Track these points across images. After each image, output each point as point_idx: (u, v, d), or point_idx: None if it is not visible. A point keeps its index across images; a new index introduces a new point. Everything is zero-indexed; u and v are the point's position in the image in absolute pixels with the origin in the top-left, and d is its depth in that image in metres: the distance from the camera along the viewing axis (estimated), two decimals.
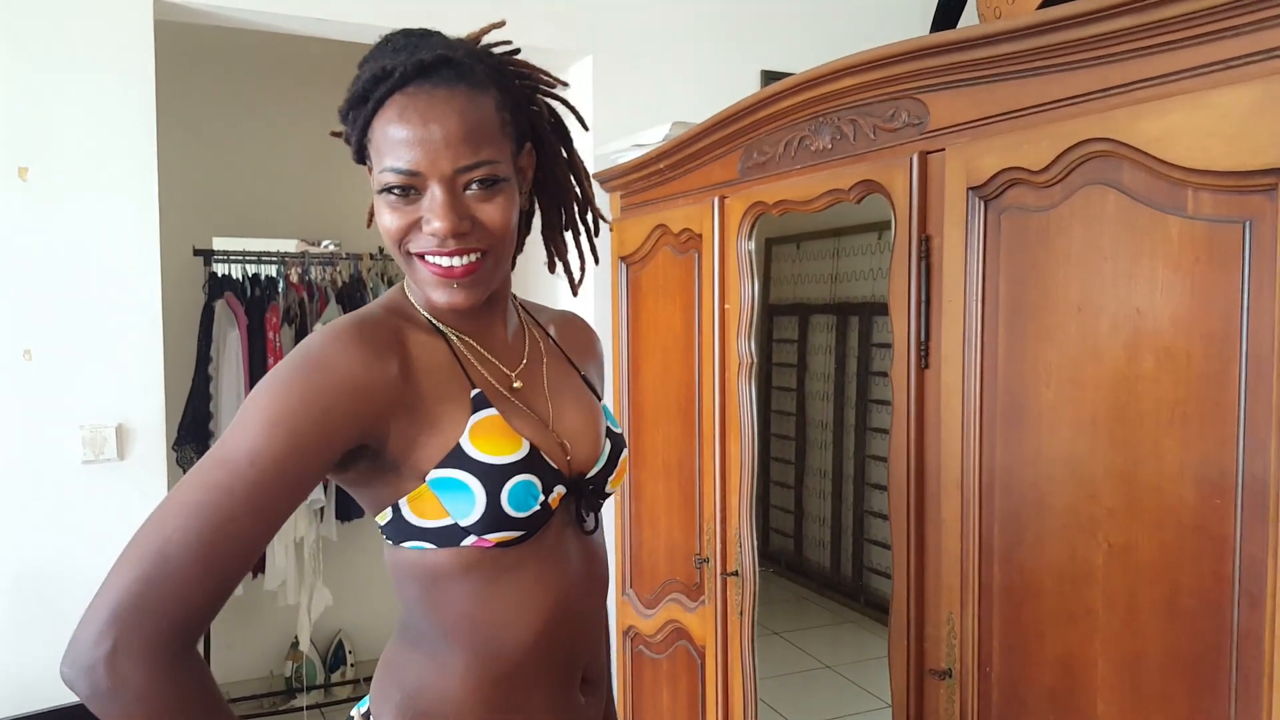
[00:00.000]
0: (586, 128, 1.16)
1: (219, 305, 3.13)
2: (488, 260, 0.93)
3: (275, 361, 3.14)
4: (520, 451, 0.94)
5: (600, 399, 1.11)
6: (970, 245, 1.32)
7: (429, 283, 0.93)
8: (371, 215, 1.03)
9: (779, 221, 1.81)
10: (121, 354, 2.13)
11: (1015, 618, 1.26)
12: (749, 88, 2.60)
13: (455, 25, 2.37)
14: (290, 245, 3.55)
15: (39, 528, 2.07)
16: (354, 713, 1.06)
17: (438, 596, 0.95)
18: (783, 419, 4.85)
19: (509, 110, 0.95)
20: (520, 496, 0.93)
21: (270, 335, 3.13)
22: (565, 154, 1.07)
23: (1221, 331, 1.02)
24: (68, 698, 2.02)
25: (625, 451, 1.09)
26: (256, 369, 3.10)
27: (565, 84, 1.09)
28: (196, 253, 3.20)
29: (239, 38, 3.35)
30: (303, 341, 0.91)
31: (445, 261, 0.91)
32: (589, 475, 1.02)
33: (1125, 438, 1.12)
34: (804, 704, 3.31)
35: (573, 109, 1.12)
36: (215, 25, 2.28)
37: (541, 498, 0.95)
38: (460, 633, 0.95)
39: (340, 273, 3.40)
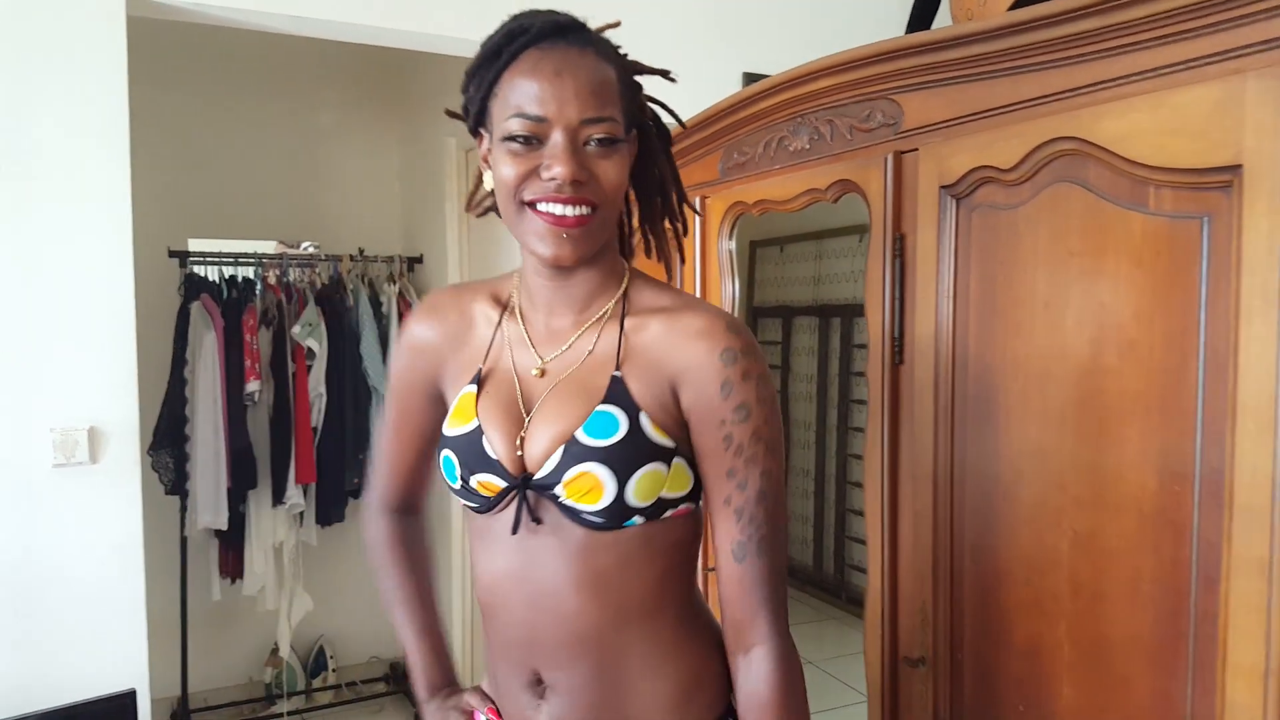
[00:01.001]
0: (684, 126, 1.18)
1: (195, 307, 3.12)
2: (596, 218, 0.96)
3: (252, 365, 3.13)
4: (461, 429, 1.03)
5: (631, 408, 0.97)
6: (942, 243, 1.35)
7: (537, 234, 0.96)
8: (472, 196, 1.12)
9: (762, 224, 1.83)
10: (94, 356, 2.10)
11: (986, 605, 1.29)
12: (731, 89, 2.61)
13: (437, 24, 2.37)
14: (268, 246, 3.55)
15: (9, 531, 2.04)
16: None
17: None
18: None
19: (627, 90, 0.99)
20: (447, 468, 1.05)
21: (247, 338, 3.12)
22: (665, 153, 1.10)
23: (1181, 325, 1.05)
24: (41, 704, 2.01)
25: (587, 465, 0.95)
26: (233, 372, 3.09)
27: (674, 80, 1.11)
28: (172, 254, 3.18)
29: (216, 35, 3.34)
30: None
31: (559, 209, 0.94)
32: (536, 476, 0.98)
33: (1090, 429, 1.14)
34: None
35: (671, 111, 1.14)
36: (191, 22, 2.28)
37: (459, 478, 1.02)
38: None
39: (319, 274, 3.40)
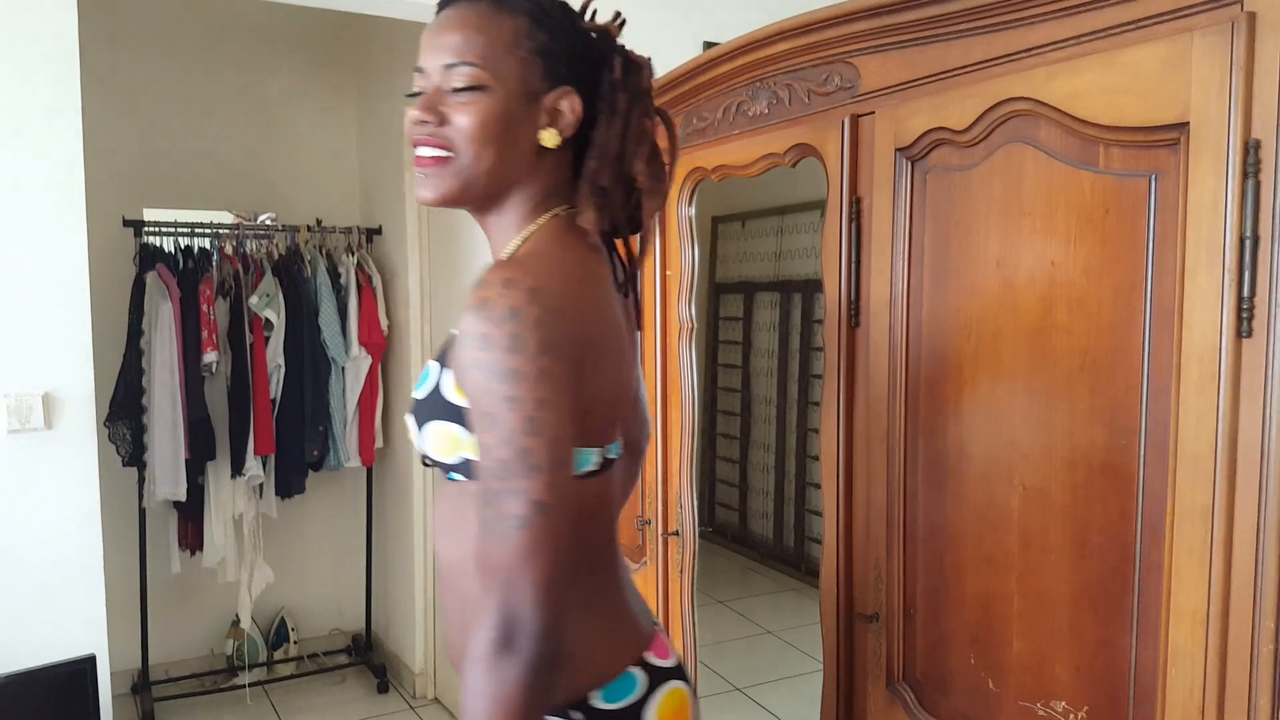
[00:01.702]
0: (649, 82, 1.07)
1: (150, 277, 3.06)
2: (451, 164, 0.96)
3: (209, 336, 3.08)
4: None
5: (444, 365, 0.97)
6: (898, 205, 1.36)
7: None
8: None
9: (724, 199, 1.84)
10: (48, 323, 2.08)
11: (938, 562, 1.31)
12: (692, 57, 2.61)
13: None
14: (225, 217, 3.48)
15: None
16: None
17: None
18: (728, 395, 4.91)
19: (542, 43, 0.97)
20: None
21: (204, 308, 3.06)
22: (632, 122, 1.02)
23: (1129, 281, 1.07)
24: None
25: (409, 420, 1.00)
26: (190, 343, 3.03)
27: (621, 22, 1.09)
28: (126, 224, 3.11)
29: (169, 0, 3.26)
30: None
31: (417, 150, 0.98)
32: None
33: (1040, 385, 1.16)
34: (747, 667, 3.38)
35: (641, 61, 1.06)
36: None
37: None
38: None
39: (277, 245, 3.34)
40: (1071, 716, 1.14)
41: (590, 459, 0.95)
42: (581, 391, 0.89)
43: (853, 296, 1.44)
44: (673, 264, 1.94)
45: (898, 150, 1.34)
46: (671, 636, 1.97)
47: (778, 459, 4.63)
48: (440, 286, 3.27)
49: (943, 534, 1.31)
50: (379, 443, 3.46)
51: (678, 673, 1.04)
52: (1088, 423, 1.11)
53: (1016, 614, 1.20)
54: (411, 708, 3.36)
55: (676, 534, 1.95)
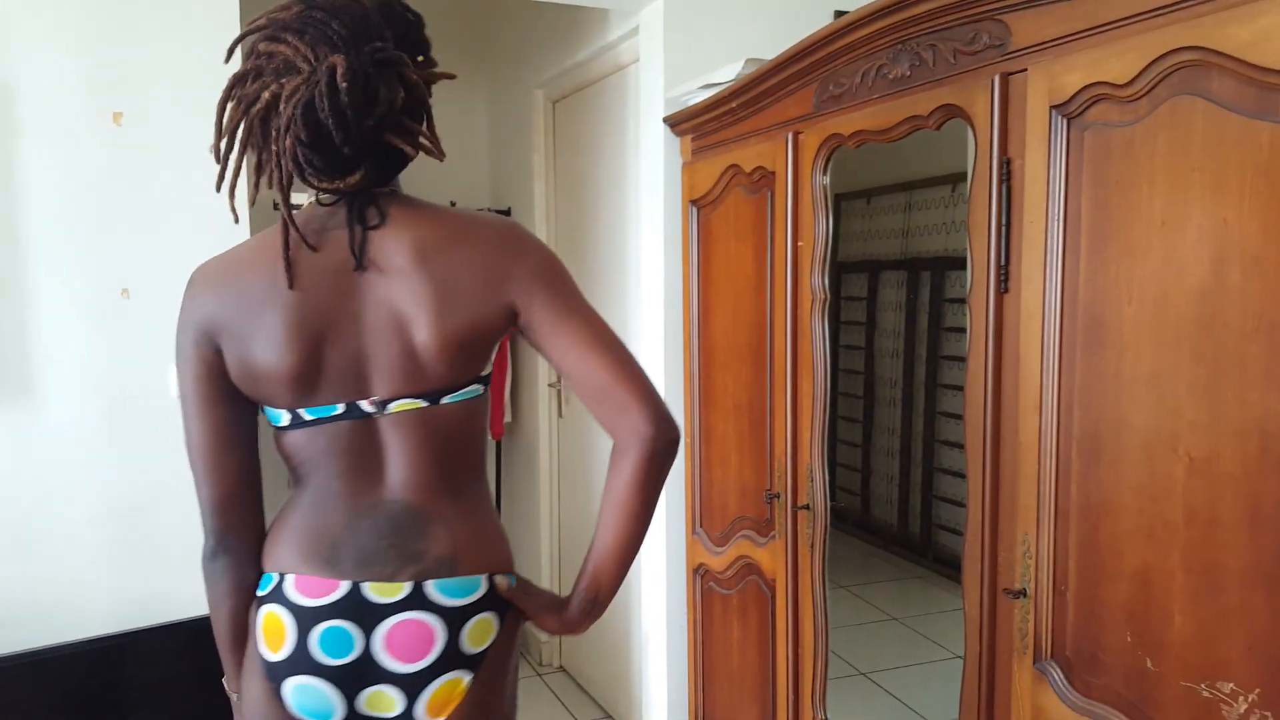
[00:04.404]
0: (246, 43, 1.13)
1: None
2: None
3: None
4: None
5: None
6: (1053, 165, 1.31)
7: None
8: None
9: (848, 177, 1.80)
10: None
11: (1092, 536, 1.26)
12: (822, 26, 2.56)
13: None
14: None
15: (138, 460, 2.18)
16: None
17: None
18: (851, 377, 4.81)
19: None
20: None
21: None
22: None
23: None
24: (164, 617, 2.14)
25: None
26: None
27: None
28: (276, 207, 3.28)
29: None
30: (504, 220, 1.21)
31: None
32: None
33: (1209, 350, 1.10)
34: (871, 653, 3.33)
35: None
36: None
37: None
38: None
39: None
40: (1241, 699, 1.08)
41: (279, 418, 1.13)
42: (236, 363, 1.10)
43: (1003, 261, 1.39)
44: (805, 235, 1.92)
45: (1053, 107, 1.29)
46: (800, 609, 1.96)
47: (903, 443, 4.51)
48: (568, 264, 3.32)
49: (1098, 506, 1.25)
50: (508, 417, 3.56)
51: (278, 598, 1.13)
52: (1263, 389, 1.05)
53: (1179, 590, 1.15)
54: (538, 674, 3.45)
55: (807, 508, 1.93)
